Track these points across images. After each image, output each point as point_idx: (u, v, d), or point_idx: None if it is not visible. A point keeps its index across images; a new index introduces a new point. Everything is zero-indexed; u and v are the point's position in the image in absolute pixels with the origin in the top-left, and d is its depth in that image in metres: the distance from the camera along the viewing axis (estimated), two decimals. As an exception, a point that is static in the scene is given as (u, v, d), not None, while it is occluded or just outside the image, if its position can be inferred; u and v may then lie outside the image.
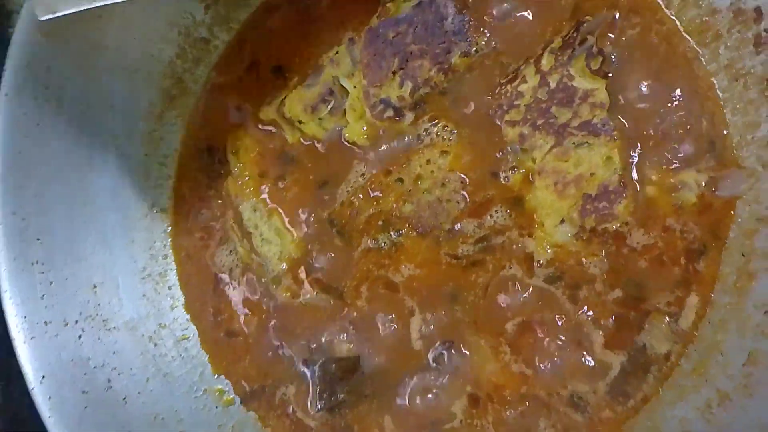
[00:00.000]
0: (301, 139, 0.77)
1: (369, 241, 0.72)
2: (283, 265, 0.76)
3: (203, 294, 0.80)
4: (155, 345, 0.78)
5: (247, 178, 0.78)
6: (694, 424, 0.61)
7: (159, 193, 0.82)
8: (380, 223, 0.72)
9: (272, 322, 0.77)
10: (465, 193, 0.71)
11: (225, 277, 0.79)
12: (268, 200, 0.77)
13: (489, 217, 0.69)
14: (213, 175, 0.80)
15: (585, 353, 0.66)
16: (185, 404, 0.76)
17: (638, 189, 0.66)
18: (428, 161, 0.72)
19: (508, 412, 0.68)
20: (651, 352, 0.65)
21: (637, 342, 0.65)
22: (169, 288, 0.81)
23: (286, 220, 0.77)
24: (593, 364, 0.65)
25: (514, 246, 0.68)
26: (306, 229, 0.76)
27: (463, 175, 0.71)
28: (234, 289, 0.78)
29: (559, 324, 0.67)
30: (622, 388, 0.65)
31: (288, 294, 0.76)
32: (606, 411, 0.65)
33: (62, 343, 0.72)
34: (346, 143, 0.75)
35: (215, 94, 0.81)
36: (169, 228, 0.82)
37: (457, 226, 0.70)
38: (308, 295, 0.75)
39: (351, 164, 0.75)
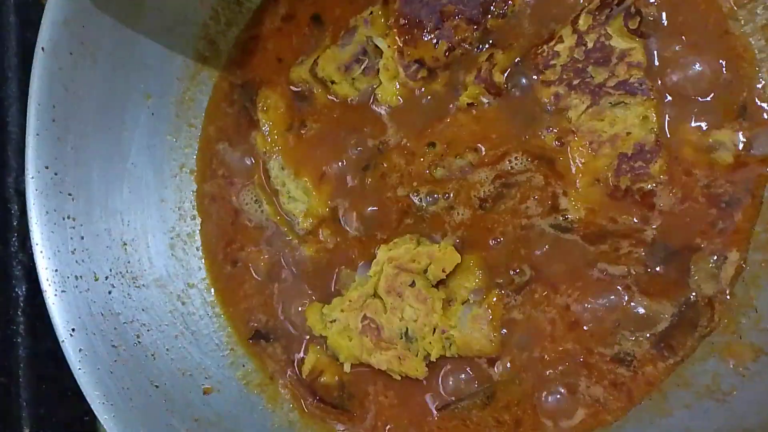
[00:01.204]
0: (333, 99, 0.77)
1: (400, 191, 0.73)
2: (310, 222, 0.76)
3: (220, 227, 0.81)
4: (183, 303, 0.79)
5: (276, 135, 0.78)
6: (726, 379, 0.61)
7: (188, 154, 0.82)
8: (414, 184, 0.73)
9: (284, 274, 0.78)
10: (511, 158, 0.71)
11: (246, 214, 0.79)
12: (294, 157, 0.77)
13: (507, 163, 0.70)
14: (243, 116, 0.80)
15: (633, 303, 0.66)
16: (213, 361, 0.77)
17: (674, 148, 0.66)
18: (461, 125, 0.72)
19: (548, 372, 0.68)
20: (699, 297, 0.64)
21: (687, 285, 0.65)
22: (197, 249, 0.82)
23: (312, 177, 0.76)
24: (643, 311, 0.65)
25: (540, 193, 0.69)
26: (334, 187, 0.76)
27: (495, 137, 0.71)
28: (256, 225, 0.79)
29: (599, 276, 0.67)
30: (669, 342, 0.65)
31: (313, 251, 0.76)
32: (650, 366, 0.65)
33: (92, 297, 0.73)
34: (377, 104, 0.75)
35: (252, 42, 0.81)
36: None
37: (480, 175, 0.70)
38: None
39: (381, 125, 0.75)
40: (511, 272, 0.69)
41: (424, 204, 0.72)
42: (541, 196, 0.69)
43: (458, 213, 0.72)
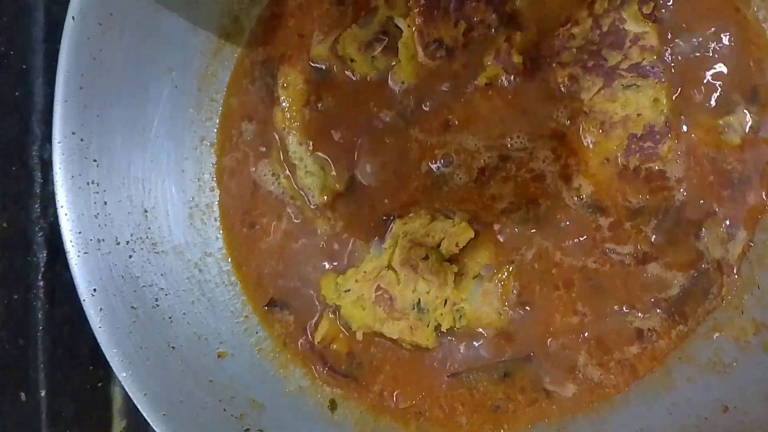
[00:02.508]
0: (350, 76, 0.79)
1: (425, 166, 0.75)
2: (325, 198, 0.78)
3: (239, 198, 0.83)
4: (200, 271, 0.81)
5: (294, 111, 0.80)
6: (727, 352, 0.63)
7: (209, 127, 0.84)
8: (436, 151, 0.75)
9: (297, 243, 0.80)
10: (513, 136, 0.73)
11: (265, 185, 0.82)
12: (311, 131, 0.79)
13: (509, 140, 0.72)
14: (264, 92, 0.82)
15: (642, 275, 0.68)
16: (227, 327, 0.79)
17: (683, 130, 0.68)
18: (478, 104, 0.74)
19: (549, 342, 0.70)
20: (709, 261, 0.66)
21: (697, 250, 0.67)
22: (215, 219, 0.83)
23: (328, 151, 0.78)
24: (653, 280, 0.67)
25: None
26: (349, 161, 0.78)
27: (511, 117, 0.73)
28: (273, 197, 0.81)
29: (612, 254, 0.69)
30: (681, 309, 0.67)
31: (327, 228, 0.78)
32: (661, 340, 0.67)
33: (113, 260, 0.75)
34: (394, 82, 0.77)
35: (274, 19, 0.83)
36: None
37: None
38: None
39: (398, 103, 0.77)
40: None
41: (441, 168, 0.74)
42: (550, 169, 0.71)
43: (460, 178, 0.74)
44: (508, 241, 0.72)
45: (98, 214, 0.75)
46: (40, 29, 0.94)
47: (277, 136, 0.82)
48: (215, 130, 0.85)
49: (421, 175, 0.76)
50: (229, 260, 0.82)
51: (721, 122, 0.67)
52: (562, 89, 0.71)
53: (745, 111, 0.67)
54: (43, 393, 0.87)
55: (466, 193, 0.74)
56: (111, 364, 0.69)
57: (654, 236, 0.68)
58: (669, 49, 0.68)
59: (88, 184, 0.75)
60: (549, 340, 0.69)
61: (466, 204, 0.74)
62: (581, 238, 0.70)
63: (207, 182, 0.84)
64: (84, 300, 0.71)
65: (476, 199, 0.74)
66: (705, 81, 0.68)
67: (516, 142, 0.72)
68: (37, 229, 0.90)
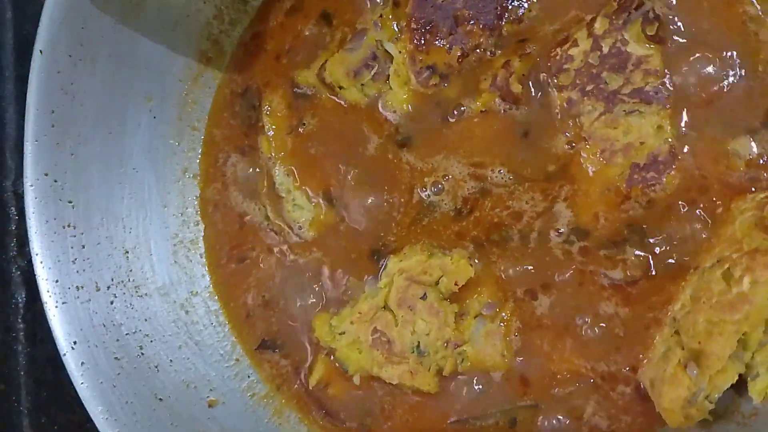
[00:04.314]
0: (340, 102, 0.74)
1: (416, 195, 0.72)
2: (314, 232, 0.74)
3: (225, 232, 0.79)
4: (187, 312, 0.77)
5: (279, 140, 0.76)
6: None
7: (191, 158, 0.80)
8: (425, 179, 0.71)
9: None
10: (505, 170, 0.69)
11: (252, 218, 0.78)
12: (296, 160, 0.75)
13: (490, 172, 0.69)
14: (246, 125, 0.78)
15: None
16: (217, 372, 0.75)
17: (688, 158, 0.64)
18: (473, 133, 0.70)
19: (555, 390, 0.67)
20: None
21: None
22: (200, 255, 0.80)
23: (315, 182, 0.75)
24: None
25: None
26: (337, 193, 0.74)
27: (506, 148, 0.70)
28: (261, 230, 0.77)
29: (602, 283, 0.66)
30: None
31: (317, 263, 0.74)
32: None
33: (94, 308, 0.71)
34: (385, 109, 0.73)
35: (254, 42, 0.79)
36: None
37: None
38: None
39: (389, 131, 0.73)
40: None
41: (430, 195, 0.70)
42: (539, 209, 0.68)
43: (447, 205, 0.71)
44: (506, 279, 0.68)
45: (76, 258, 0.71)
46: (10, 53, 0.90)
47: (263, 166, 0.77)
48: (198, 161, 0.81)
49: (412, 204, 0.71)
50: (217, 298, 0.78)
51: (729, 148, 0.63)
52: (560, 114, 0.67)
53: (754, 136, 0.63)
54: (27, 440, 0.84)
55: (453, 223, 0.70)
56: (95, 422, 0.66)
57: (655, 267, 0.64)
58: (674, 73, 0.64)
59: (64, 227, 0.71)
60: (555, 387, 0.66)
61: (455, 235, 0.70)
62: (576, 275, 0.66)
63: (191, 216, 0.80)
64: (64, 354, 0.68)
65: (464, 231, 0.70)
66: (713, 106, 0.64)
67: (499, 176, 0.68)
68: (14, 268, 0.86)
